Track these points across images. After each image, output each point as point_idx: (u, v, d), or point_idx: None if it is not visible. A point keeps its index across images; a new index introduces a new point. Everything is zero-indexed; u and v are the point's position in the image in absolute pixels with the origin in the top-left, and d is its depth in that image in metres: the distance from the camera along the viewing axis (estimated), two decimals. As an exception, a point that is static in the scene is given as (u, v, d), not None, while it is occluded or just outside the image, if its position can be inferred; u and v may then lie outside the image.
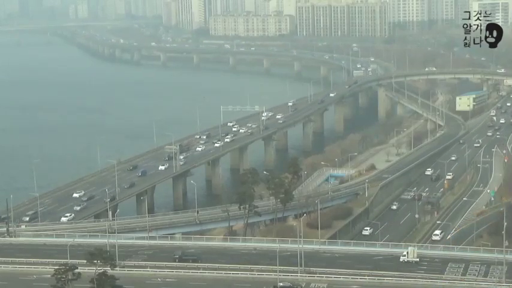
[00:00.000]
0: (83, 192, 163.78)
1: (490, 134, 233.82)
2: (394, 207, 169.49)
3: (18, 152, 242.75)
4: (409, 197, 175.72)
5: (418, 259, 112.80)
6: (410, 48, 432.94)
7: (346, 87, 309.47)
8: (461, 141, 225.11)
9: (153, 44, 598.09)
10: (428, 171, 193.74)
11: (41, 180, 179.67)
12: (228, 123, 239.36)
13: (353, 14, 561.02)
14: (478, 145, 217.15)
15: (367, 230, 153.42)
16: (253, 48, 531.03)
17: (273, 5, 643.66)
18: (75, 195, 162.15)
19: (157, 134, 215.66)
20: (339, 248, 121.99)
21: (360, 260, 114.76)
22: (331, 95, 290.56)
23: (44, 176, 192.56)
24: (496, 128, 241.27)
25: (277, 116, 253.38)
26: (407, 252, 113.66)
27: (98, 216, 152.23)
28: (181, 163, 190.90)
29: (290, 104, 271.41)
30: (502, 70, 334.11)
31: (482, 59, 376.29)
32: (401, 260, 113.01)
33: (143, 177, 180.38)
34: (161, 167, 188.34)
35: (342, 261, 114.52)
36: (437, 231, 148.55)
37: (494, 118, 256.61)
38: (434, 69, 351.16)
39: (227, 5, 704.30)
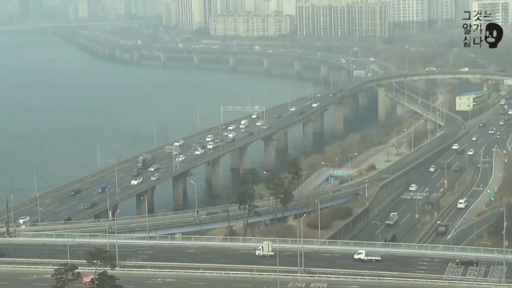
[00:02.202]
0: (28, 217, 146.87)
1: (502, 123, 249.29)
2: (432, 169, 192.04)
3: (19, 153, 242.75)
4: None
5: (272, 253, 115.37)
6: (410, 48, 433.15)
7: (331, 95, 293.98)
8: (481, 124, 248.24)
9: (139, 42, 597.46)
10: (455, 146, 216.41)
11: (42, 180, 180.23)
12: (175, 143, 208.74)
13: (353, 14, 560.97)
14: (493, 132, 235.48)
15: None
16: (283, 50, 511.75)
17: (273, 5, 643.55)
18: (20, 221, 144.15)
19: (157, 135, 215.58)
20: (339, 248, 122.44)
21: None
22: (314, 105, 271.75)
23: (45, 177, 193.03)
24: (507, 118, 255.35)
25: (258, 123, 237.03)
26: (262, 247, 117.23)
27: (98, 216, 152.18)
28: (153, 178, 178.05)
29: (254, 116, 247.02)
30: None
31: (472, 55, 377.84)
32: (257, 253, 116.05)
33: (104, 194, 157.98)
34: (134, 182, 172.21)
35: (342, 261, 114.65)
36: (461, 200, 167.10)
37: (506, 107, 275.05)
38: (434, 69, 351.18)
39: (227, 5, 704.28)
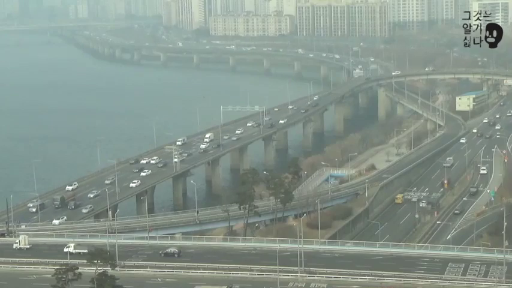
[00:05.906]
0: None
1: None
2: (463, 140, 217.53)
3: (19, 154, 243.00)
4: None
5: (29, 246, 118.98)
6: (410, 48, 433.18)
7: (302, 111, 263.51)
8: (501, 103, 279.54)
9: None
10: (486, 120, 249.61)
11: (42, 181, 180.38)
12: (67, 187, 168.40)
13: (353, 14, 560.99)
14: (511, 115, 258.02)
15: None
16: (299, 50, 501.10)
17: (273, 5, 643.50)
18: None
19: (158, 135, 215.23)
20: (339, 248, 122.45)
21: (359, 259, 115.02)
22: (281, 121, 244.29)
23: (45, 177, 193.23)
24: None
25: (237, 131, 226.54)
26: (19, 240, 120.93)
27: (98, 216, 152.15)
28: (85, 210, 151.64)
29: (207, 137, 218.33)
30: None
31: (457, 54, 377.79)
32: (14, 247, 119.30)
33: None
34: (55, 221, 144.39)
35: (342, 261, 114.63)
36: (483, 167, 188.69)
37: None
38: (434, 69, 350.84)
39: (227, 5, 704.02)
